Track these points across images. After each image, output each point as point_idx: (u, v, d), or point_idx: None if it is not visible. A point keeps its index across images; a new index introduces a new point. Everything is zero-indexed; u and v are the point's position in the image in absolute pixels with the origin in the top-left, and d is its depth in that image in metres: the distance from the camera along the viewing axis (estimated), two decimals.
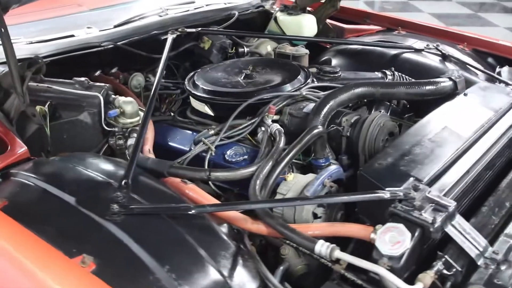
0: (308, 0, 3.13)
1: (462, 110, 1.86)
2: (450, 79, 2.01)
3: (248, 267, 1.34)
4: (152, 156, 1.82)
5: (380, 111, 2.10)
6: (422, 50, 2.62)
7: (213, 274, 1.27)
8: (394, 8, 8.74)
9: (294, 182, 1.71)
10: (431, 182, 1.46)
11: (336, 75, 2.33)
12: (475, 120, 1.77)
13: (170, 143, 2.11)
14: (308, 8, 3.19)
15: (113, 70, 2.46)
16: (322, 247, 1.31)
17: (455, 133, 1.69)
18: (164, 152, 2.05)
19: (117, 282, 1.18)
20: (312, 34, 3.05)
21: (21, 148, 1.75)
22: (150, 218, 1.38)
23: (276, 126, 1.90)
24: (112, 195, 1.41)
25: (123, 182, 1.47)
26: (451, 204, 1.35)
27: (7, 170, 1.64)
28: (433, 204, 1.35)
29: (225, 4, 3.02)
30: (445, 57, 2.56)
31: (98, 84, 2.04)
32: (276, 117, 2.01)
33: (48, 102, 1.96)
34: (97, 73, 2.37)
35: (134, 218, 1.36)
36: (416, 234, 1.29)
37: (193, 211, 1.38)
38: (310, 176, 1.70)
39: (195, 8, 2.88)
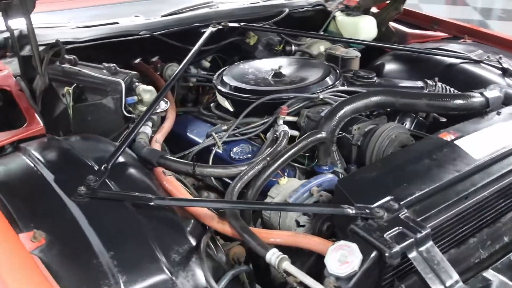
0: (371, 1, 3.00)
1: (484, 130, 1.67)
2: (482, 94, 1.82)
3: (199, 267, 1.32)
4: (158, 146, 1.85)
5: (403, 123, 1.97)
6: (481, 61, 2.40)
7: (157, 268, 1.25)
8: (508, 17, 8.15)
9: (286, 186, 1.65)
10: (412, 204, 1.34)
11: (371, 80, 2.21)
12: (495, 143, 1.59)
13: (188, 134, 2.14)
14: (373, 10, 3.06)
15: (154, 59, 2.53)
16: (272, 256, 1.25)
17: (464, 155, 1.53)
18: (182, 142, 2.09)
19: (60, 261, 1.22)
20: (370, 37, 2.92)
21: (38, 125, 1.86)
22: (112, 204, 1.40)
23: (284, 127, 1.84)
24: (86, 178, 1.45)
25: (102, 167, 1.51)
26: (423, 230, 1.22)
27: (18, 144, 1.75)
28: (402, 228, 1.23)
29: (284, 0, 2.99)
30: (505, 71, 2.32)
31: (124, 70, 2.10)
32: (291, 118, 1.95)
33: (75, 85, 2.07)
34: (137, 60, 2.45)
35: (97, 202, 1.39)
36: (371, 256, 1.19)
37: (153, 202, 1.37)
38: (304, 183, 1.63)
39: (251, 3, 2.87)
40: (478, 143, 1.59)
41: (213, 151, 1.91)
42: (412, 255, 1.21)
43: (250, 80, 2.15)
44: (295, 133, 1.91)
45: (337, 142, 1.83)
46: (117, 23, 2.44)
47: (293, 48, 2.73)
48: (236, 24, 2.50)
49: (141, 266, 1.25)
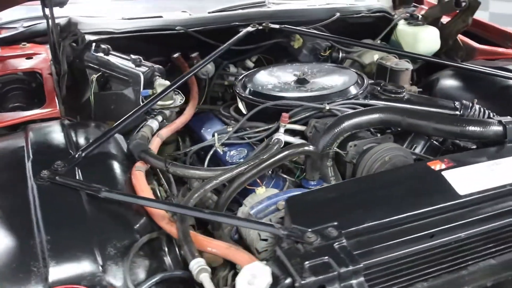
0: (437, 11, 2.77)
1: (486, 164, 1.46)
2: (500, 122, 1.59)
3: (134, 264, 1.30)
4: (157, 141, 1.86)
5: (413, 145, 1.80)
6: None
7: (88, 259, 1.26)
8: None
9: (262, 196, 1.59)
10: (359, 234, 1.22)
11: (398, 95, 2.04)
12: (492, 181, 1.39)
13: (201, 131, 2.13)
14: (443, 20, 2.83)
15: (193, 55, 2.55)
16: (194, 265, 1.21)
17: (447, 188, 1.35)
18: (196, 139, 2.10)
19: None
20: (431, 49, 2.70)
21: (54, 108, 1.97)
22: (68, 191, 1.43)
23: (279, 135, 1.77)
24: (56, 163, 1.50)
25: (76, 154, 1.56)
26: (353, 265, 1.11)
27: (29, 124, 1.86)
28: (328, 258, 1.13)
29: (347, 4, 2.86)
30: None
31: (148, 64, 2.14)
32: (299, 127, 1.87)
33: (100, 73, 2.16)
34: (176, 54, 2.49)
35: (55, 187, 1.43)
36: (284, 283, 1.10)
37: (101, 194, 1.39)
38: (272, 195, 1.55)
39: (308, 6, 2.79)
40: (471, 177, 1.40)
41: (211, 151, 1.89)
42: None
43: (270, 84, 2.09)
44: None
45: (336, 158, 1.72)
46: (161, 16, 2.49)
47: (341, 54, 2.61)
48: (276, 26, 2.44)
49: (72, 254, 1.26)
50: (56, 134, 1.72)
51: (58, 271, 1.22)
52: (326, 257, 1.13)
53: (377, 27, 2.77)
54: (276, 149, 1.68)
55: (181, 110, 2.16)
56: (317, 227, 1.20)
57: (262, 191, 1.61)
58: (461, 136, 1.62)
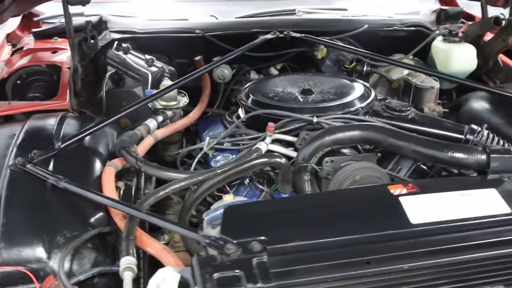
0: (477, 29, 2.60)
1: (454, 194, 1.34)
2: (485, 150, 1.46)
3: (80, 255, 1.35)
4: (150, 140, 1.90)
5: (397, 167, 1.70)
6: None
7: (36, 245, 1.31)
8: None
9: (226, 203, 1.58)
10: (287, 253, 1.17)
11: (402, 113, 1.95)
12: (454, 213, 1.29)
13: (203, 134, 2.16)
14: (487, 38, 2.65)
15: (215, 58, 2.58)
16: (123, 262, 1.23)
17: (399, 215, 1.26)
18: (199, 139, 2.14)
19: None
20: (466, 69, 2.54)
21: (63, 101, 2.07)
22: (34, 178, 1.50)
23: (261, 145, 1.75)
24: (33, 151, 1.58)
25: (56, 145, 1.63)
26: (264, 283, 1.08)
27: (34, 114, 1.97)
28: (240, 272, 1.10)
29: (382, 16, 2.77)
30: None
31: (160, 65, 2.20)
32: (290, 138, 1.83)
33: (114, 71, 2.25)
34: (198, 57, 2.53)
35: (24, 174, 1.51)
36: None
37: (60, 184, 1.44)
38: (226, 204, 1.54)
39: (341, 16, 2.73)
40: (432, 206, 1.30)
41: (199, 155, 1.91)
42: None
43: (272, 93, 2.07)
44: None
45: (316, 173, 1.68)
46: (187, 19, 2.55)
47: (365, 68, 2.52)
48: (297, 34, 2.40)
49: (22, 238, 1.33)
50: (49, 125, 1.81)
51: (5, 253, 1.29)
52: (238, 271, 1.10)
53: (411, 42, 2.65)
54: (250, 158, 1.67)
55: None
56: (243, 240, 1.18)
57: (229, 199, 1.60)
58: (440, 162, 1.51)
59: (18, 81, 2.26)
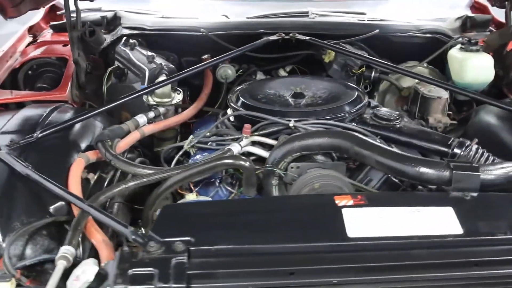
0: (496, 38, 2.47)
1: (403, 209, 1.28)
2: (448, 166, 1.37)
3: (34, 241, 1.40)
4: (135, 135, 1.92)
5: (368, 178, 1.65)
6: None
7: None
8: None
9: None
10: (209, 255, 1.17)
11: (389, 123, 1.88)
12: (402, 229, 1.23)
13: (195, 132, 2.17)
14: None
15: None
16: (61, 251, 1.25)
17: (337, 227, 1.22)
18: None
19: None
20: (481, 79, 2.41)
21: (62, 92, 2.16)
22: (4, 165, 1.56)
23: (234, 146, 1.74)
24: (11, 139, 1.66)
25: (35, 134, 1.70)
26: (176, 283, 1.08)
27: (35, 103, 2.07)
28: (155, 270, 1.11)
29: (403, 22, 2.67)
30: None
31: (159, 61, 2.23)
32: (270, 141, 1.81)
33: (116, 66, 2.31)
34: (205, 56, 2.55)
35: None
36: (103, 284, 1.12)
37: (25, 172, 1.50)
38: None
39: (356, 20, 2.66)
40: (375, 220, 1.25)
41: (180, 153, 1.92)
42: None
43: (263, 95, 2.06)
44: None
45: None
46: (196, 18, 2.57)
47: (373, 74, 2.45)
48: (303, 37, 2.36)
49: None
50: (37, 115, 1.88)
51: None
52: (153, 269, 1.11)
53: (427, 50, 2.54)
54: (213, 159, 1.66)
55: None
56: (169, 239, 1.18)
57: (191, 197, 1.61)
58: (401, 175, 1.44)
59: (30, 72, 2.37)
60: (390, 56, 2.58)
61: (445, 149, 1.78)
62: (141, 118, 2.03)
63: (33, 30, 2.75)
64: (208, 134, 1.96)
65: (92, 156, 1.71)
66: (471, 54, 2.41)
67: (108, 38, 2.51)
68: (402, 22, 2.63)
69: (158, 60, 2.27)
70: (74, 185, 1.56)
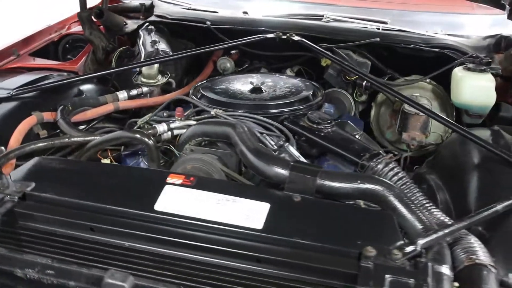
0: (504, 62, 2.26)
1: (224, 197, 1.34)
2: (288, 166, 1.38)
3: None
4: (109, 106, 2.19)
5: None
6: None
7: None
8: None
9: None
10: (32, 199, 1.36)
11: (316, 126, 1.90)
12: (207, 214, 1.31)
13: None
14: None
15: (232, 52, 2.74)
16: None
17: (151, 199, 1.35)
18: None
19: None
20: (480, 101, 2.25)
21: (73, 64, 2.52)
22: None
23: (161, 126, 1.90)
24: None
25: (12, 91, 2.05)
26: None
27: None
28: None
29: (418, 35, 2.56)
30: None
31: (160, 47, 2.47)
32: (189, 122, 1.94)
33: (126, 47, 2.61)
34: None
35: None
36: None
37: None
38: None
39: (369, 27, 2.63)
40: (187, 201, 1.34)
41: (135, 128, 2.13)
42: None
43: (222, 89, 2.19)
44: None
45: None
46: (216, 12, 2.75)
47: (364, 83, 2.40)
48: (297, 38, 2.41)
49: None
50: (31, 78, 2.23)
51: None
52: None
53: (435, 64, 2.42)
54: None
55: None
56: (19, 182, 1.40)
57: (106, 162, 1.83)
58: (251, 167, 1.50)
59: (66, 45, 2.79)
60: (395, 67, 2.51)
61: (356, 160, 1.75)
62: (121, 94, 2.30)
63: None
64: (165, 114, 2.14)
65: (47, 116, 2.01)
66: (472, 74, 2.25)
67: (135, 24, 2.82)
68: (416, 34, 2.52)
69: (161, 46, 2.51)
70: (16, 135, 1.86)
